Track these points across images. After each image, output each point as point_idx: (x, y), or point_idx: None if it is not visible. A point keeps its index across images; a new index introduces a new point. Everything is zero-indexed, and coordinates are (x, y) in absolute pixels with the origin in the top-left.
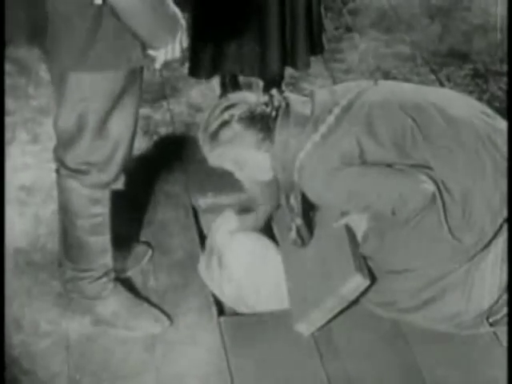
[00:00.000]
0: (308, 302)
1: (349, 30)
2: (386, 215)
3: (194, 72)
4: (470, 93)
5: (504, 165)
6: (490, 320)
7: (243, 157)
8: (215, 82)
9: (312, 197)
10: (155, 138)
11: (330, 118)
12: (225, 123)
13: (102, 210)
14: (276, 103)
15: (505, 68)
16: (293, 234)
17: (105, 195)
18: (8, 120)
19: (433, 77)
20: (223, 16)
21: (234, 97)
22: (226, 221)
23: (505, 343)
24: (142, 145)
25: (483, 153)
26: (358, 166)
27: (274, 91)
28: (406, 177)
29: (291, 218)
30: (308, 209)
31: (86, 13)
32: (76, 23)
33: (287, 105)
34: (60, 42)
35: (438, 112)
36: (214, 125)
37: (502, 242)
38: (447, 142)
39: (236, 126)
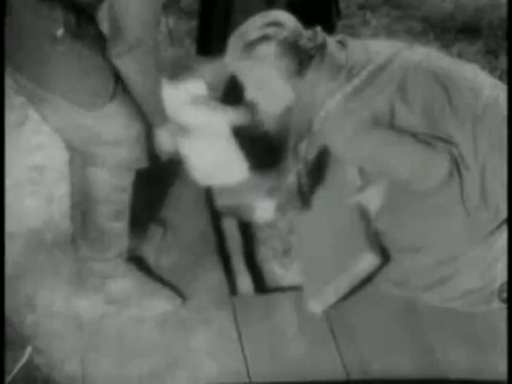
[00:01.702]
0: (320, 280)
1: (361, 6)
2: (402, 183)
3: (202, 49)
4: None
5: None
6: (501, 296)
7: (267, 79)
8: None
9: (333, 147)
10: None
11: (364, 73)
12: (266, 38)
13: (124, 198)
14: (318, 42)
15: None
16: (291, 178)
17: (128, 183)
18: (21, 100)
19: (444, 53)
20: None
21: (281, 15)
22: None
23: None
24: None
25: (505, 134)
26: (386, 127)
27: (318, 28)
28: (431, 149)
29: (294, 162)
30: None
31: (51, 43)
32: (43, 51)
33: (323, 46)
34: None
35: (468, 86)
36: (254, 35)
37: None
38: (473, 118)
39: (276, 47)
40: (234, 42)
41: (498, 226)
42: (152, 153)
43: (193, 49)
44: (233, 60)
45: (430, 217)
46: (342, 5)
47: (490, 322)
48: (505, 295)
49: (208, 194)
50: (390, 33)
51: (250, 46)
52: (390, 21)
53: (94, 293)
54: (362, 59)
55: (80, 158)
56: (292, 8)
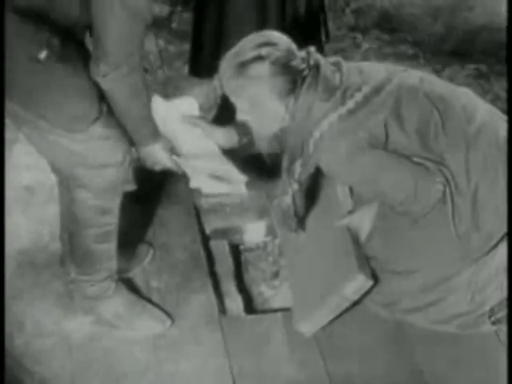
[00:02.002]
0: (310, 302)
1: (351, 29)
2: (393, 206)
3: (195, 71)
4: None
5: None
6: (492, 319)
7: (261, 100)
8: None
9: (327, 170)
10: None
11: (359, 95)
12: (259, 58)
13: (111, 220)
14: (311, 62)
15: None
16: (287, 199)
17: (115, 205)
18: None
19: (436, 76)
20: (225, 14)
21: (275, 35)
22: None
23: (506, 341)
24: None
25: (498, 158)
26: (381, 150)
27: (311, 49)
28: (424, 172)
29: (289, 182)
30: (312, 188)
31: (34, 65)
32: (26, 74)
33: (317, 67)
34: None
35: (462, 109)
36: (248, 55)
37: (507, 246)
38: (466, 141)
39: (269, 67)
40: (227, 63)
41: (490, 251)
42: (139, 175)
43: (184, 70)
44: (226, 80)
45: (421, 240)
46: (332, 27)
47: (480, 343)
48: (497, 317)
49: (198, 215)
50: (381, 56)
51: (243, 65)
52: (381, 44)
53: (84, 314)
54: (356, 81)
55: (66, 180)
56: (282, 29)
